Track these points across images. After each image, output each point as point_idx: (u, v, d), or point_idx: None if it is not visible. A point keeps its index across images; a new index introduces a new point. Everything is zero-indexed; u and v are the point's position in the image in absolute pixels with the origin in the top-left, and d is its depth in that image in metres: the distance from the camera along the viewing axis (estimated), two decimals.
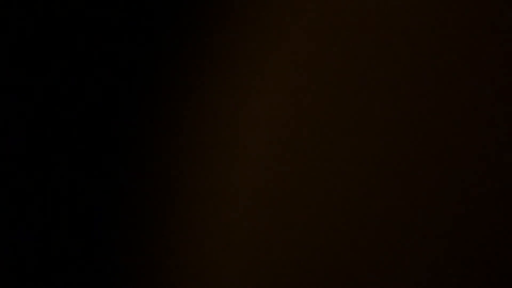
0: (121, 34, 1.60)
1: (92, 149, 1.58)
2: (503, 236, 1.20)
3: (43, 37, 1.60)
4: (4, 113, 1.58)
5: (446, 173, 1.26)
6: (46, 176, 1.58)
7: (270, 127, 1.43)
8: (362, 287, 1.30)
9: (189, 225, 1.49)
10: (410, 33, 1.32)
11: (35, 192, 1.58)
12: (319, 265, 1.35)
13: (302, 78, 1.41)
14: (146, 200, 1.53)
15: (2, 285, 1.54)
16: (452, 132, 1.27)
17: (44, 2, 1.60)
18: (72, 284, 1.56)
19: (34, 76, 1.59)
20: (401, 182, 1.30)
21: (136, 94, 1.57)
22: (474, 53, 1.26)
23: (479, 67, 1.25)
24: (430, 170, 1.28)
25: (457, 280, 1.24)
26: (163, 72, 1.56)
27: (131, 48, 1.59)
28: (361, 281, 1.31)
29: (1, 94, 1.58)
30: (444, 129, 1.27)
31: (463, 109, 1.26)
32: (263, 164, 1.43)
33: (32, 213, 1.57)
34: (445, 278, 1.25)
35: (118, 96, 1.59)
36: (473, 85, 1.26)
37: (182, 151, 1.51)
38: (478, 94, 1.25)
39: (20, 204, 1.57)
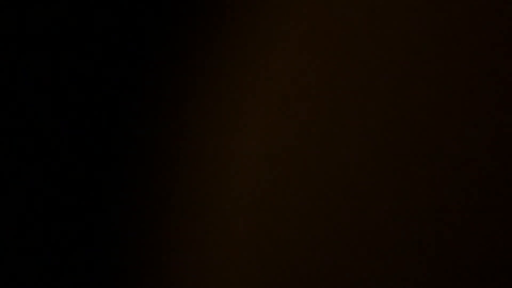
0: (120, 34, 1.60)
1: (93, 150, 1.58)
2: (503, 237, 1.20)
3: (43, 38, 1.60)
4: (5, 113, 1.58)
5: (445, 174, 1.26)
6: (47, 176, 1.58)
7: (269, 129, 1.43)
8: (361, 287, 1.30)
9: (189, 226, 1.49)
10: (407, 39, 1.32)
11: (35, 192, 1.58)
12: (319, 266, 1.35)
13: (300, 81, 1.41)
14: (145, 200, 1.54)
15: (2, 285, 1.54)
16: (452, 132, 1.27)
17: (44, 2, 1.60)
18: (73, 284, 1.56)
19: (34, 77, 1.60)
20: (400, 183, 1.30)
21: (135, 96, 1.58)
22: (473, 53, 1.26)
23: (478, 67, 1.25)
24: (429, 171, 1.28)
25: (456, 280, 1.24)
26: (163, 74, 1.56)
27: (130, 49, 1.59)
28: (361, 281, 1.31)
29: (2, 94, 1.58)
30: (443, 130, 1.27)
31: (463, 109, 1.26)
32: (262, 166, 1.43)
33: (32, 213, 1.58)
34: (444, 279, 1.25)
35: (118, 97, 1.59)
36: (473, 85, 1.26)
37: (182, 152, 1.52)
38: (478, 94, 1.25)
39: (20, 204, 1.57)
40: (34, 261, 1.56)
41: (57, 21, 1.60)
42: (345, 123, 1.36)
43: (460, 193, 1.25)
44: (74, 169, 1.58)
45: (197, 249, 1.47)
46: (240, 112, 1.46)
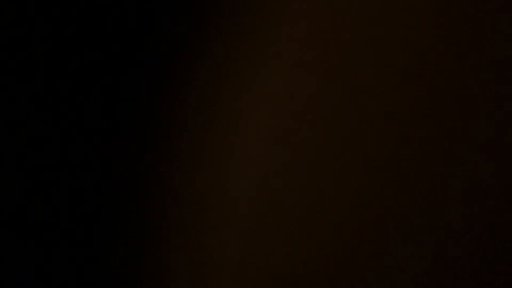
0: (120, 33, 1.60)
1: (93, 150, 1.59)
2: (502, 237, 1.20)
3: (43, 38, 1.60)
4: (6, 113, 1.58)
5: (444, 174, 1.26)
6: (48, 176, 1.58)
7: (269, 129, 1.43)
8: (358, 287, 1.31)
9: (189, 226, 1.49)
10: (407, 39, 1.32)
11: (37, 193, 1.58)
12: (318, 266, 1.35)
13: (300, 80, 1.41)
14: (145, 200, 1.54)
15: (2, 285, 1.54)
16: (450, 133, 1.27)
17: (42, 3, 1.60)
18: (73, 284, 1.56)
19: (35, 77, 1.60)
20: (398, 182, 1.30)
21: (136, 95, 1.58)
22: (473, 53, 1.26)
23: (477, 67, 1.25)
24: (428, 171, 1.28)
25: (454, 280, 1.24)
26: (163, 74, 1.56)
27: (130, 48, 1.59)
28: (358, 281, 1.31)
29: (3, 95, 1.59)
30: (443, 130, 1.27)
31: (462, 109, 1.26)
32: (262, 165, 1.43)
33: (33, 213, 1.58)
34: (442, 279, 1.25)
35: (117, 97, 1.59)
36: (472, 85, 1.26)
37: (182, 152, 1.52)
38: (477, 94, 1.25)
39: (20, 203, 1.58)
40: (34, 261, 1.56)
41: (57, 20, 1.60)
42: (345, 123, 1.36)
43: (459, 193, 1.25)
44: (74, 169, 1.59)
45: (197, 249, 1.47)
46: (240, 112, 1.46)
